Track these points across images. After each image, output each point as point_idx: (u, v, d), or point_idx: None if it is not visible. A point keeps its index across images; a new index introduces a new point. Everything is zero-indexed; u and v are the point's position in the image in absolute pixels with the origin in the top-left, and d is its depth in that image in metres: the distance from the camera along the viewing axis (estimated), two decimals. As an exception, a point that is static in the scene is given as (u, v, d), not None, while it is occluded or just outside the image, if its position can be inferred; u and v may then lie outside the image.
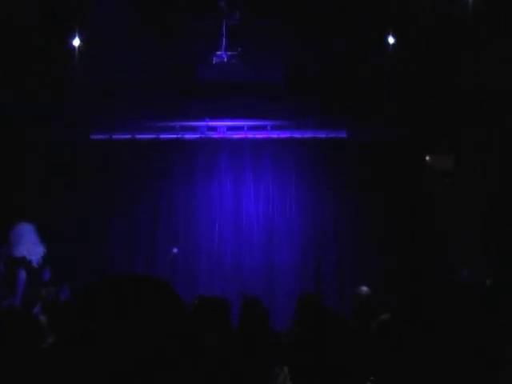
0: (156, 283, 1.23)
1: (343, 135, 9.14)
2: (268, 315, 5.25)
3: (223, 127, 9.19)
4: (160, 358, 1.13)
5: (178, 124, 9.12)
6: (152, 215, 9.06)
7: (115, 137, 9.15)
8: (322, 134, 9.16)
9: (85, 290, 1.23)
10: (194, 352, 1.19)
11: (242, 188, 9.11)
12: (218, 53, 8.43)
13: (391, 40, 8.36)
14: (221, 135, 9.19)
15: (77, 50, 8.28)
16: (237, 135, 9.21)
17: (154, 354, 1.13)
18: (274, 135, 9.14)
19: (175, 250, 8.37)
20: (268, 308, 5.35)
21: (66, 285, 7.59)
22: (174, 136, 9.16)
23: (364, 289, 6.16)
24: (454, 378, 1.34)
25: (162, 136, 9.17)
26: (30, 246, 7.95)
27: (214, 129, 9.20)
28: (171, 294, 1.23)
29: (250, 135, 9.17)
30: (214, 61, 8.43)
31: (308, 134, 9.16)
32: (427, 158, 9.15)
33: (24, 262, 7.83)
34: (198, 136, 9.18)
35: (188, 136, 9.18)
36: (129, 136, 9.14)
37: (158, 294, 1.21)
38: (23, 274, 7.81)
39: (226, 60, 8.42)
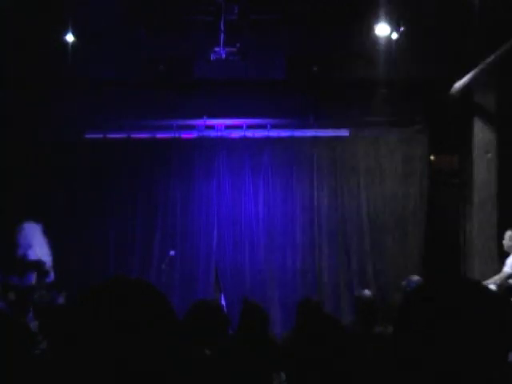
0: (145, 287, 1.22)
1: (345, 134, 8.96)
2: (268, 321, 5.13)
3: (221, 126, 9.01)
4: (151, 362, 1.11)
5: (174, 122, 8.95)
6: (148, 216, 8.91)
7: (110, 136, 8.96)
8: (323, 133, 8.98)
9: (76, 296, 1.21)
10: (185, 356, 1.18)
11: (241, 188, 8.95)
12: (216, 49, 8.28)
13: (394, 36, 8.29)
14: (219, 134, 9.03)
15: (71, 47, 8.14)
16: (235, 134, 9.04)
17: (146, 358, 1.11)
18: (274, 134, 8.96)
19: (172, 253, 8.19)
20: (268, 313, 5.23)
21: (63, 290, 7.41)
22: (171, 135, 8.99)
23: (367, 293, 5.96)
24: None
25: (159, 135, 9.01)
26: (43, 247, 7.79)
27: (212, 127, 9.03)
28: (159, 299, 1.20)
29: (249, 134, 8.99)
30: (212, 57, 8.28)
31: (309, 133, 8.99)
32: (432, 157, 9.04)
33: (36, 265, 7.65)
34: (195, 135, 9.01)
35: (185, 135, 9.01)
36: (124, 135, 8.97)
37: (147, 299, 1.19)
38: (32, 278, 7.61)
39: (224, 56, 8.27)
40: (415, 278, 6.06)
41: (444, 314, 1.23)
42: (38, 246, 7.71)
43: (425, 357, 1.21)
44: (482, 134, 8.38)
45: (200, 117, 8.87)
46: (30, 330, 3.63)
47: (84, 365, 1.11)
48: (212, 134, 9.03)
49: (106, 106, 8.67)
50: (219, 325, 4.37)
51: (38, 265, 7.70)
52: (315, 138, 8.96)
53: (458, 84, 8.28)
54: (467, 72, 8.13)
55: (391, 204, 8.74)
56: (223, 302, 8.25)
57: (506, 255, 7.29)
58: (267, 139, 8.96)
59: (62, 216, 8.67)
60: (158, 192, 8.95)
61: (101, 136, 8.96)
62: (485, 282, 6.41)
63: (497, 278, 7.16)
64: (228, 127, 9.03)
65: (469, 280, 1.34)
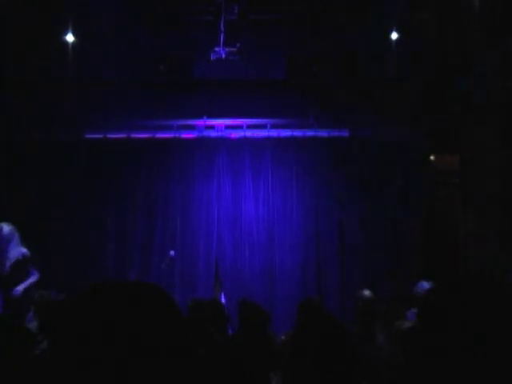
0: (149, 287, 1.23)
1: (345, 134, 8.96)
2: (269, 320, 5.14)
3: (222, 126, 8.99)
4: (153, 362, 1.11)
5: (175, 122, 8.93)
6: (148, 217, 8.89)
7: (110, 136, 8.94)
8: (323, 133, 8.98)
9: (76, 294, 1.20)
10: (188, 356, 1.17)
11: (241, 188, 8.94)
12: (216, 49, 8.29)
13: (395, 36, 8.31)
14: (219, 134, 9.01)
15: (71, 47, 8.14)
16: (236, 134, 9.02)
17: (147, 358, 1.11)
18: (274, 134, 8.95)
19: (172, 253, 8.17)
20: (269, 313, 5.23)
21: (62, 290, 7.38)
22: (171, 135, 8.97)
23: (366, 292, 5.95)
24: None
25: (159, 135, 8.98)
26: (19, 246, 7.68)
27: (212, 127, 9.01)
28: (166, 299, 1.22)
29: (250, 134, 8.97)
30: (212, 57, 8.28)
31: (309, 133, 8.99)
32: (432, 157, 9.03)
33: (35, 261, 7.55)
34: (195, 135, 8.99)
35: (185, 135, 8.99)
36: (124, 135, 8.94)
37: (152, 297, 1.20)
38: (36, 274, 7.53)
39: (224, 56, 8.27)
40: (425, 282, 6.04)
41: (467, 314, 1.23)
42: (21, 244, 7.63)
43: (447, 354, 1.20)
44: (482, 134, 8.37)
45: (200, 117, 8.86)
46: (29, 330, 3.63)
47: (84, 364, 1.10)
48: (212, 134, 9.01)
49: (106, 106, 8.65)
50: (220, 323, 4.38)
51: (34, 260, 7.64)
52: (315, 138, 8.95)
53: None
54: (468, 72, 8.13)
55: (391, 204, 8.73)
56: (223, 302, 8.25)
57: None
58: (267, 139, 8.94)
59: (62, 216, 8.66)
60: (158, 192, 8.93)
61: (101, 136, 8.95)
62: None
63: None
64: (228, 127, 9.01)
65: (491, 280, 1.34)
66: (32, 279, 7.43)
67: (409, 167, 8.78)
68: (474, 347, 1.21)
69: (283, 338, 5.28)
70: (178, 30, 8.54)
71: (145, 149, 8.97)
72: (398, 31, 8.35)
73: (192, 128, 9.00)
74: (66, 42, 8.20)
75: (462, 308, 1.25)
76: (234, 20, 8.31)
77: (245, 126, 8.95)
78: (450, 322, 1.24)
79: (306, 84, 8.80)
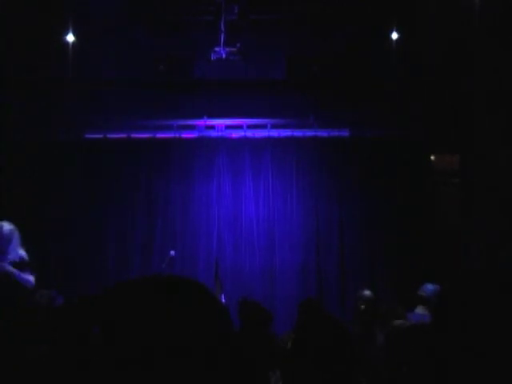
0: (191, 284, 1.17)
1: (345, 134, 8.96)
2: (271, 320, 5.14)
3: (222, 126, 9.00)
4: (153, 362, 1.09)
5: (175, 122, 8.93)
6: (148, 217, 8.88)
7: (110, 136, 8.94)
8: (323, 133, 8.98)
9: (103, 293, 1.16)
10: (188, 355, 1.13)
11: (242, 188, 8.93)
12: (216, 49, 8.30)
13: (395, 36, 8.32)
14: (219, 134, 9.01)
15: (71, 47, 8.15)
16: (236, 134, 9.02)
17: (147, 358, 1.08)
18: (274, 134, 8.95)
19: (172, 253, 8.17)
20: (270, 312, 5.23)
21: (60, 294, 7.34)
22: (171, 135, 8.96)
23: (367, 292, 5.96)
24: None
25: (159, 135, 8.98)
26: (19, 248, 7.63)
27: (212, 127, 9.01)
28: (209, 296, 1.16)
29: (250, 134, 8.97)
30: (212, 57, 8.30)
31: (309, 133, 8.99)
32: (432, 157, 9.03)
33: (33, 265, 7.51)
34: (195, 135, 8.99)
35: (185, 135, 8.99)
36: (124, 135, 8.94)
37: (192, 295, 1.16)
38: (32, 279, 7.49)
39: (224, 56, 8.28)
40: (430, 284, 6.04)
41: (481, 314, 1.22)
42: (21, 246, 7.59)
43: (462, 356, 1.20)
44: (482, 134, 8.38)
45: (200, 117, 8.86)
46: (29, 330, 3.62)
47: (84, 364, 1.10)
48: (212, 134, 9.01)
49: (106, 106, 8.65)
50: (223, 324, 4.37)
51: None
52: (315, 138, 8.96)
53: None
54: (468, 73, 8.13)
55: (391, 204, 8.73)
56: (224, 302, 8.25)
57: None
58: (267, 139, 8.94)
59: (62, 216, 8.66)
60: (158, 192, 8.93)
61: (101, 136, 8.94)
62: None
63: None
64: (228, 127, 9.01)
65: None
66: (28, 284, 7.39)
67: (409, 167, 8.78)
68: (476, 347, 1.21)
69: (283, 338, 5.28)
70: (178, 30, 8.54)
71: (145, 149, 8.97)
72: (398, 31, 8.36)
73: (192, 128, 8.99)
74: (66, 42, 8.20)
75: (473, 308, 1.25)
76: (234, 20, 8.32)
77: (245, 126, 8.95)
78: (463, 323, 1.24)
79: (306, 84, 8.81)
